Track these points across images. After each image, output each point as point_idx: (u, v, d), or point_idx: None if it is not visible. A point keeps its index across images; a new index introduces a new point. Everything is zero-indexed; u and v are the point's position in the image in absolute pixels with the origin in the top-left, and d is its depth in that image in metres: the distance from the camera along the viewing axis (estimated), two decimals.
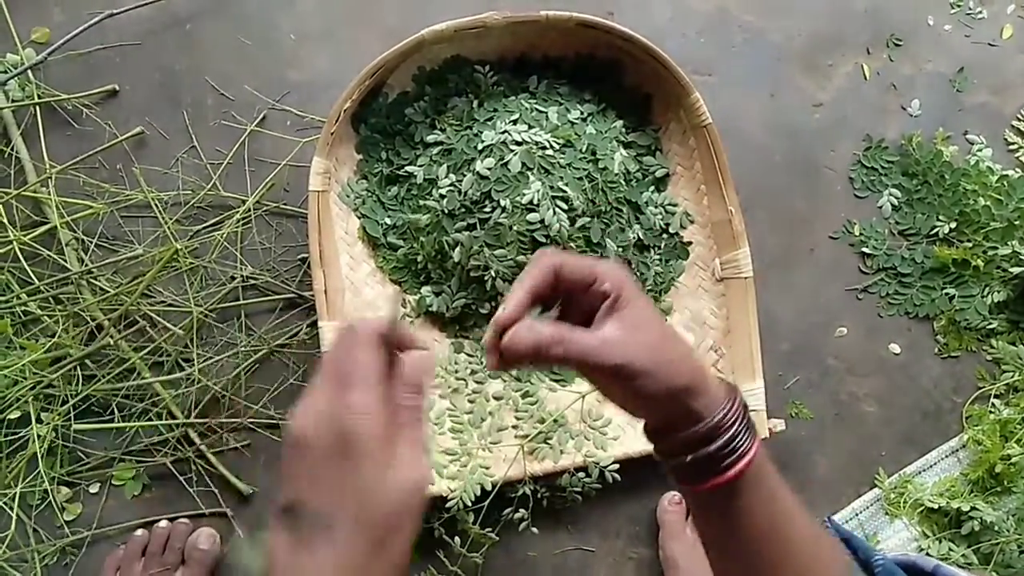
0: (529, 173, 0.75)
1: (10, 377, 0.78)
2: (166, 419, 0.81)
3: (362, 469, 0.35)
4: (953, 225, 0.89)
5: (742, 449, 0.43)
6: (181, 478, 0.82)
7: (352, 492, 0.35)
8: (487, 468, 0.78)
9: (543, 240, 0.74)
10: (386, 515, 0.35)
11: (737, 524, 0.44)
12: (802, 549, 0.45)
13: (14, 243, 0.81)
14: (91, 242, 0.84)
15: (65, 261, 0.82)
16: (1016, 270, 0.86)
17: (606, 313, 0.44)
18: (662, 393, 0.43)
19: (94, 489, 0.83)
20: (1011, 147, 0.94)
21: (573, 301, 0.45)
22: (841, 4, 0.94)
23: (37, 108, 0.85)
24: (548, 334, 0.42)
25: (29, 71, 0.85)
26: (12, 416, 0.79)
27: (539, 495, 0.81)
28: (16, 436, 0.80)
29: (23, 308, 0.81)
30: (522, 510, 0.80)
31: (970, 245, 0.89)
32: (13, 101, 0.85)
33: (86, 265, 0.83)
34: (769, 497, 0.44)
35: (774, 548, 0.44)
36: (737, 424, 0.43)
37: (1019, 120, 0.94)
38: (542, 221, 0.75)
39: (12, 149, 0.85)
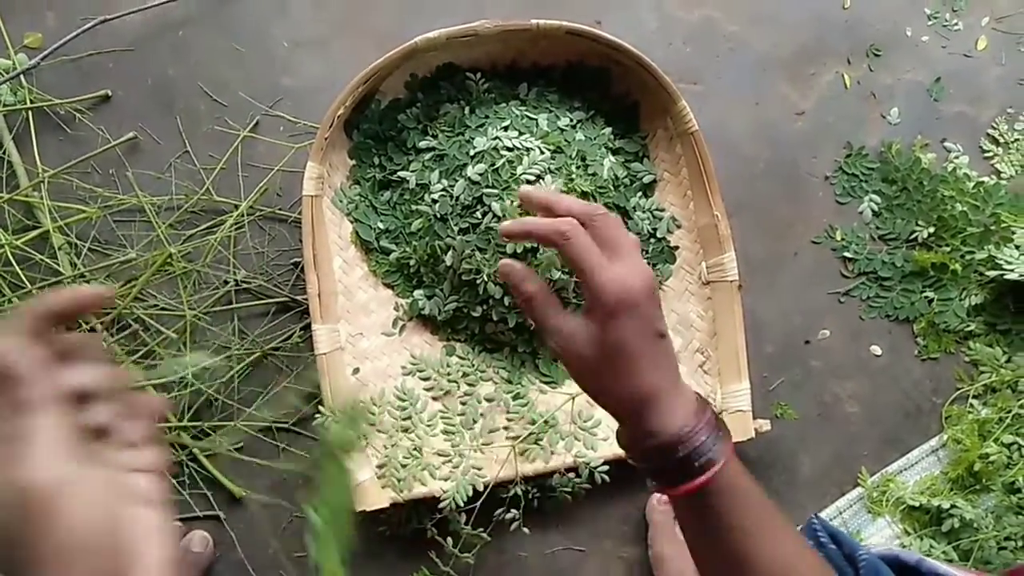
0: (520, 178, 0.76)
1: None
2: (159, 422, 0.81)
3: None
4: (932, 230, 0.92)
5: (706, 460, 0.45)
6: (174, 481, 0.82)
7: None
8: (479, 469, 0.79)
9: (534, 243, 0.76)
10: None
11: (711, 526, 0.46)
12: (778, 554, 0.46)
13: (6, 247, 0.81)
14: (84, 246, 0.84)
15: (58, 265, 0.82)
16: (992, 274, 0.89)
17: (585, 309, 0.46)
18: (611, 404, 0.47)
19: None
20: (987, 154, 0.96)
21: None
22: (822, 15, 0.97)
23: (29, 113, 0.86)
24: (534, 291, 0.47)
25: (21, 76, 0.85)
26: None
27: (530, 495, 0.82)
28: None
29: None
30: (513, 510, 0.81)
31: (948, 249, 0.91)
32: (5, 106, 0.85)
33: (79, 269, 0.83)
34: (742, 503, 0.46)
35: (749, 551, 0.45)
36: (702, 436, 0.45)
37: (994, 128, 0.97)
38: None
39: (4, 153, 0.85)
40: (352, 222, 0.85)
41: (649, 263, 0.88)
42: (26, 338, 0.33)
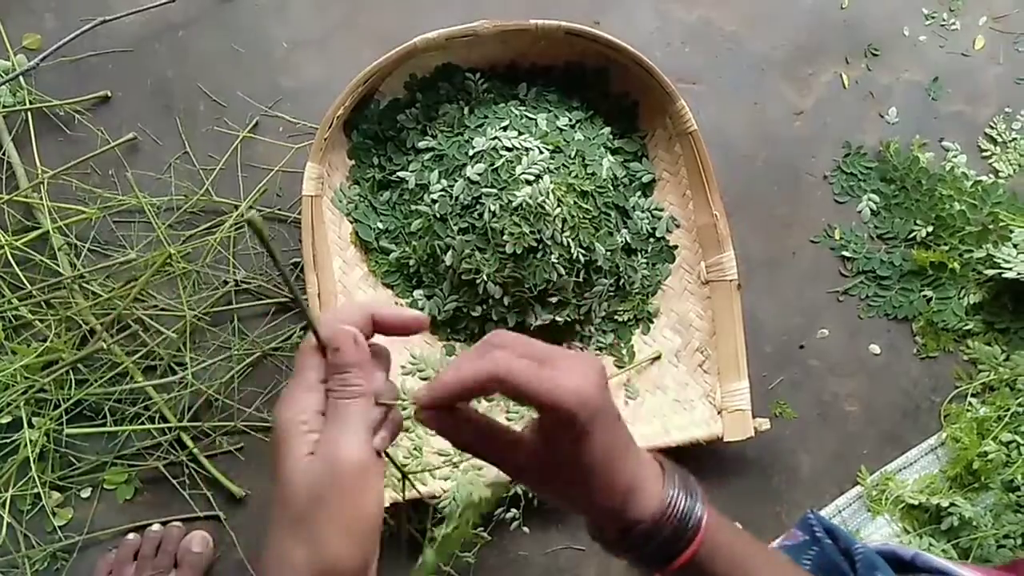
0: (519, 178, 0.76)
1: (2, 382, 0.78)
2: (158, 423, 0.82)
3: (326, 527, 0.35)
4: (930, 229, 0.92)
5: (695, 521, 0.42)
6: (174, 481, 0.82)
7: (313, 547, 0.35)
8: (479, 468, 0.79)
9: (534, 244, 0.76)
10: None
11: None
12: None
13: (6, 248, 0.81)
14: (83, 247, 0.85)
15: (57, 265, 0.82)
16: (991, 272, 0.89)
17: (543, 429, 0.40)
18: (594, 512, 0.43)
19: (86, 493, 0.83)
20: (984, 154, 0.97)
21: None
22: (820, 15, 0.97)
23: (29, 114, 0.86)
24: (469, 439, 0.41)
25: (21, 77, 0.85)
26: (3, 421, 0.79)
27: (530, 495, 0.82)
28: (7, 440, 0.80)
29: (15, 312, 0.82)
30: (514, 510, 0.81)
31: (946, 248, 0.92)
32: (5, 107, 0.85)
33: (78, 269, 0.83)
34: (729, 559, 0.44)
35: None
36: (681, 499, 0.43)
37: (992, 128, 0.97)
38: (532, 225, 0.76)
39: (4, 154, 0.85)
40: (352, 222, 0.85)
41: (648, 263, 0.88)
42: (359, 332, 0.38)
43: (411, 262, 0.83)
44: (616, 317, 0.87)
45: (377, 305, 0.40)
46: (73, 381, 0.81)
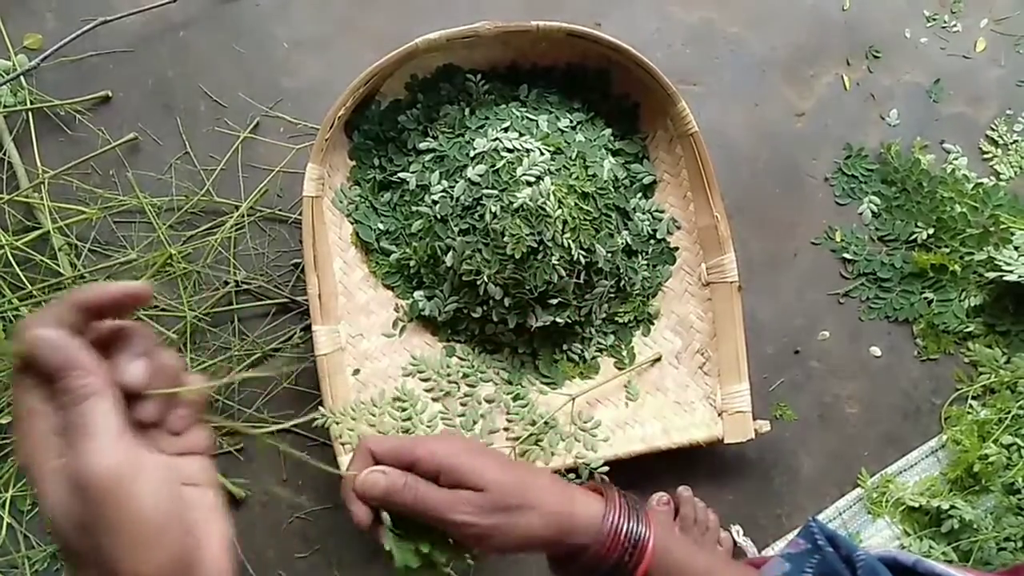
0: (520, 180, 0.76)
1: (2, 381, 0.78)
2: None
3: (114, 546, 0.31)
4: (931, 231, 0.92)
5: (636, 556, 0.46)
6: None
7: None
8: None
9: (535, 245, 0.76)
10: None
11: None
12: None
13: (6, 248, 0.81)
14: (84, 247, 0.85)
15: (58, 266, 0.82)
16: (992, 275, 0.89)
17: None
18: (525, 543, 0.47)
19: None
20: (985, 156, 0.97)
21: None
22: (822, 16, 0.97)
23: (29, 114, 0.86)
24: (400, 481, 0.48)
25: (22, 77, 0.85)
26: (4, 421, 0.79)
27: None
28: (7, 441, 0.80)
29: (15, 313, 0.82)
30: None
31: (947, 251, 0.91)
32: (5, 107, 0.85)
33: (79, 270, 0.83)
34: (687, 556, 0.48)
35: None
36: (623, 520, 0.47)
37: (993, 130, 0.97)
38: (532, 226, 0.76)
39: (4, 154, 0.85)
40: (352, 223, 0.85)
41: (649, 264, 0.88)
42: (65, 328, 0.32)
43: (412, 263, 0.83)
44: (617, 319, 0.87)
45: (80, 291, 0.33)
46: None
